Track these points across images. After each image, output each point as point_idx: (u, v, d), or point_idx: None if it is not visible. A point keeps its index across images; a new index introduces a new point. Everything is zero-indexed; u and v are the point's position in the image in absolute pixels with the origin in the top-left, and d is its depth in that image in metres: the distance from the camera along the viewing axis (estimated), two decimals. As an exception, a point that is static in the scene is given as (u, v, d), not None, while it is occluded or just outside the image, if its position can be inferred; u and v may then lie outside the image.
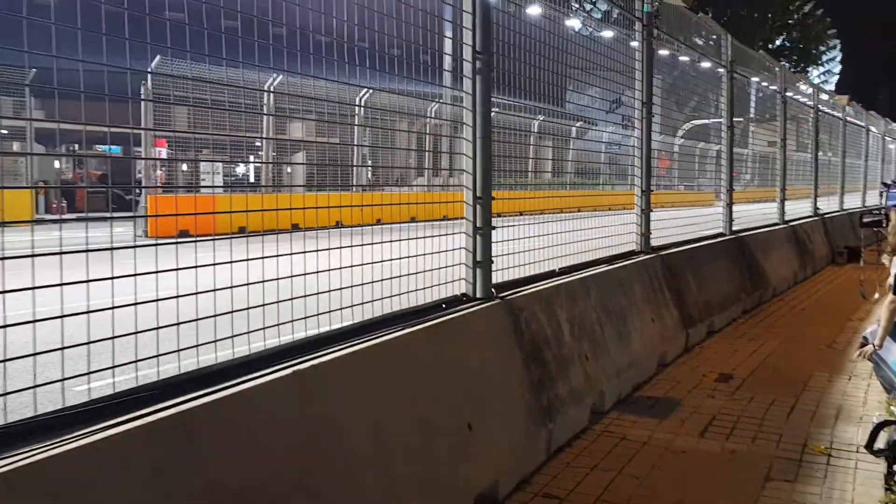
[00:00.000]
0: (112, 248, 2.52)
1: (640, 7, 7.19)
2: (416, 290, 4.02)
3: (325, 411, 2.92)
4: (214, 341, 2.78)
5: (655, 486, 4.10)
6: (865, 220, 5.50)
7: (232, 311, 2.87)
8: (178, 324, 2.66)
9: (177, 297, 2.65)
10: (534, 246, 5.31)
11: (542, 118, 9.07)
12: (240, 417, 2.55)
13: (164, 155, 16.25)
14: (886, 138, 24.68)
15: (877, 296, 6.28)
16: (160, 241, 2.76)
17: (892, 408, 5.28)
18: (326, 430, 2.88)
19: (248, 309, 2.94)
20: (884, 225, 4.64)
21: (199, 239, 2.98)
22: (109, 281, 2.45)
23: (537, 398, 4.43)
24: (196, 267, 2.79)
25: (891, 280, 4.40)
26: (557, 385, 4.68)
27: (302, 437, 2.76)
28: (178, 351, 2.64)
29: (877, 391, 5.65)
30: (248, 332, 2.91)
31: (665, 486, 4.09)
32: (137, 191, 13.15)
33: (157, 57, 10.24)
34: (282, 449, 2.66)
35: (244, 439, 2.54)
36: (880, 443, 4.55)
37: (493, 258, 4.46)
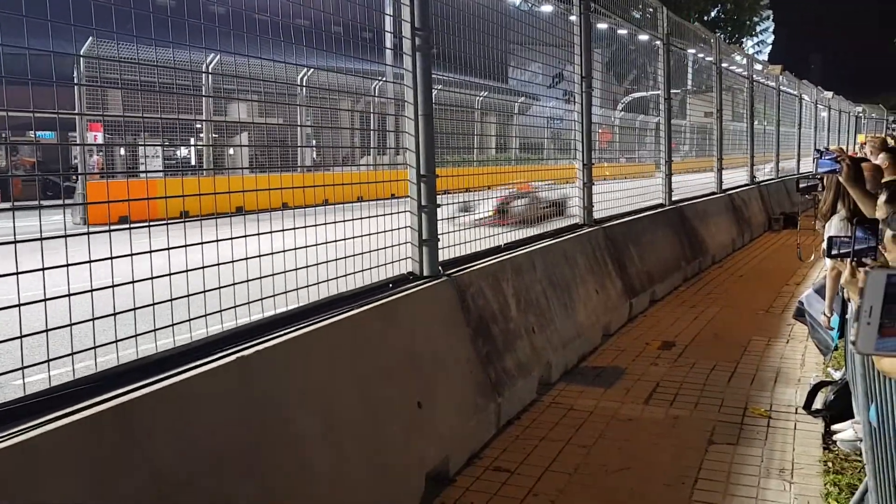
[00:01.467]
0: (66, 236, 2.43)
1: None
2: (363, 270, 4.01)
3: (272, 396, 2.89)
4: (154, 330, 2.72)
5: (602, 454, 4.19)
6: (802, 185, 5.65)
7: (171, 300, 2.81)
8: (114, 314, 2.60)
9: (112, 286, 2.58)
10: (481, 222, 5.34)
11: (484, 94, 9.06)
12: (183, 407, 2.51)
13: (99, 139, 15.74)
14: (819, 106, 25.37)
15: (812, 258, 6.49)
16: (115, 228, 2.67)
17: (828, 369, 5.48)
18: (273, 415, 2.86)
19: (188, 296, 2.89)
20: (819, 189, 4.78)
21: (139, 225, 2.89)
22: (40, 272, 2.37)
23: (486, 373, 4.47)
24: (132, 255, 2.71)
25: (824, 246, 4.54)
26: (505, 359, 4.73)
27: (248, 422, 2.73)
28: (116, 342, 2.58)
29: (814, 353, 5.85)
30: (188, 320, 2.85)
31: (612, 454, 4.18)
32: (74, 177, 12.73)
33: (90, 38, 9.89)
34: (228, 436, 2.63)
35: (189, 428, 2.50)
36: (818, 403, 4.73)
37: (438, 236, 4.46)
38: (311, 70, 4.99)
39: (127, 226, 2.76)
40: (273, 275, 3.33)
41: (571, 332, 5.83)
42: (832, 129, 29.03)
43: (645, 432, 4.52)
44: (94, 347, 2.52)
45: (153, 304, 2.73)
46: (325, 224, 3.77)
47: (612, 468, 4.01)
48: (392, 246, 4.24)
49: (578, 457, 4.16)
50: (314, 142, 11.53)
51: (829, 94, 27.66)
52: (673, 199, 10.05)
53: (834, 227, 4.53)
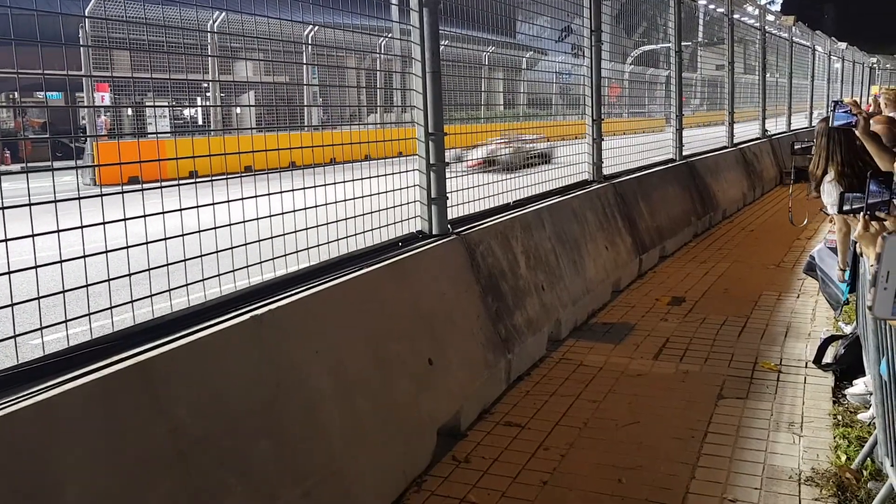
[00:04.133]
0: (79, 198, 2.44)
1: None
2: (373, 229, 4.02)
3: (285, 354, 2.93)
4: (168, 290, 2.75)
5: (612, 409, 4.24)
6: (796, 147, 5.51)
7: (185, 260, 2.83)
8: (129, 274, 2.62)
9: (126, 247, 2.60)
10: (490, 179, 5.32)
11: (492, 49, 8.94)
12: (199, 364, 2.55)
13: (107, 100, 15.67)
14: (832, 57, 24.96)
15: (805, 222, 6.43)
16: (127, 190, 2.69)
17: (838, 323, 5.49)
18: (287, 373, 2.90)
19: (201, 256, 2.91)
20: (813, 152, 4.72)
21: (151, 186, 2.90)
22: (56, 234, 2.39)
23: (496, 330, 4.50)
24: (145, 216, 2.73)
25: (829, 206, 4.50)
26: (515, 316, 4.76)
27: (263, 380, 2.77)
28: (132, 302, 2.61)
29: (824, 308, 5.85)
30: (202, 280, 2.88)
31: (621, 409, 4.23)
32: (83, 138, 12.72)
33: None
34: (243, 393, 2.68)
35: (205, 386, 2.54)
36: (828, 357, 4.75)
37: (447, 194, 4.46)
38: (317, 27, 4.94)
39: (139, 186, 2.77)
40: (284, 234, 3.35)
41: (581, 288, 5.84)
42: (846, 81, 28.57)
43: (654, 387, 4.56)
44: (111, 308, 2.55)
45: (167, 265, 2.75)
46: (335, 184, 3.77)
47: (621, 422, 4.06)
48: (401, 205, 4.24)
49: (588, 411, 4.20)
50: (320, 100, 11.45)
51: (843, 44, 27.16)
52: (683, 153, 9.97)
53: (826, 190, 4.50)
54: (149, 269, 2.70)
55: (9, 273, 2.31)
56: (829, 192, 4.43)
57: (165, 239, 2.76)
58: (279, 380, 2.84)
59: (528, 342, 4.80)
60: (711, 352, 5.16)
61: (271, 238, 3.25)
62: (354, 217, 3.86)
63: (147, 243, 2.69)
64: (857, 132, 4.04)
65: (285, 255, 3.32)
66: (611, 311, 6.18)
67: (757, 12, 15.56)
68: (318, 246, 3.55)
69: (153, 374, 2.37)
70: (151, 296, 2.70)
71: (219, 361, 2.63)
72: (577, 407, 4.27)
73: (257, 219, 3.19)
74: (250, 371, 2.75)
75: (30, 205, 2.32)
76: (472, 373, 4.16)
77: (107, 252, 2.56)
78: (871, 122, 4.27)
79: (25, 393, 2.12)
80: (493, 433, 3.95)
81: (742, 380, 4.63)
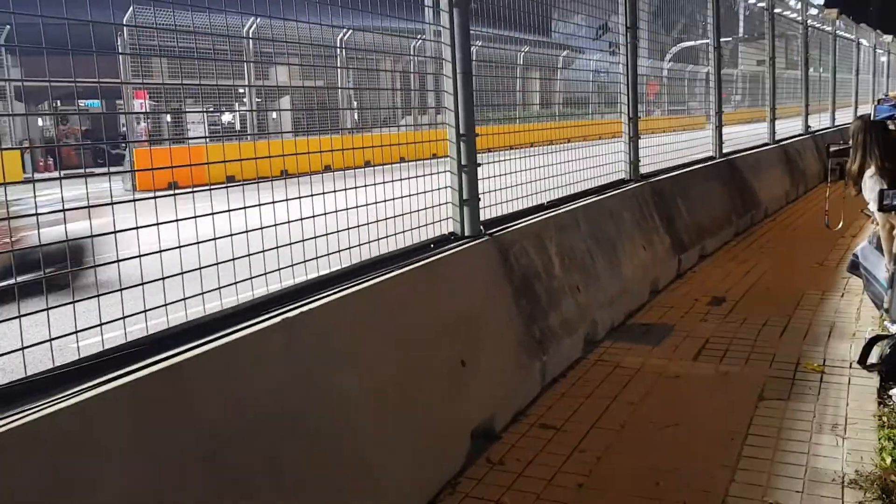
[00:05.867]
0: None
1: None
2: (405, 231, 4.02)
3: (317, 357, 2.94)
4: (202, 294, 2.78)
5: (650, 411, 4.18)
6: (832, 149, 5.31)
7: (217, 263, 2.86)
8: (163, 278, 2.66)
9: (159, 251, 2.64)
10: (523, 180, 5.28)
11: (527, 49, 8.90)
12: (230, 367, 2.57)
13: (146, 106, 15.96)
14: (878, 51, 24.36)
15: (840, 225, 6.27)
16: (164, 194, 2.75)
17: (884, 323, 5.34)
18: (318, 376, 2.91)
19: (233, 259, 2.93)
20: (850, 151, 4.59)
21: (185, 191, 2.94)
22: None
23: (529, 331, 4.47)
24: (177, 220, 2.76)
25: (871, 204, 4.39)
26: (549, 317, 4.72)
27: (294, 383, 2.79)
28: (165, 305, 2.64)
29: (869, 307, 5.70)
30: (234, 283, 2.91)
31: (659, 411, 4.16)
32: (123, 144, 12.98)
33: (131, 8, 9.97)
34: (274, 395, 2.69)
35: (236, 388, 2.56)
36: (873, 358, 4.62)
37: (480, 195, 4.44)
38: (350, 31, 4.96)
39: (172, 192, 2.82)
40: (316, 237, 3.36)
41: (617, 288, 5.78)
42: (892, 75, 27.86)
43: (693, 389, 4.48)
44: (145, 311, 2.59)
45: (199, 269, 2.78)
46: (366, 186, 3.78)
47: (659, 425, 3.99)
48: (433, 206, 4.24)
49: (625, 413, 4.15)
50: (355, 104, 11.53)
51: (889, 37, 26.49)
52: (723, 151, 9.81)
53: (869, 185, 4.39)
54: (182, 273, 2.73)
55: (43, 276, 2.35)
56: (872, 188, 4.32)
57: (198, 243, 2.79)
58: (310, 381, 2.85)
59: (563, 343, 4.76)
60: (752, 352, 5.06)
61: (303, 241, 3.27)
62: (387, 219, 3.86)
63: (180, 247, 2.73)
64: None
65: (317, 258, 3.34)
66: (649, 312, 6.10)
67: (799, 6, 15.24)
68: (349, 248, 3.56)
69: (184, 377, 2.40)
70: (185, 299, 2.73)
71: (249, 364, 2.65)
72: (614, 409, 4.21)
73: (289, 221, 3.22)
74: (281, 373, 2.76)
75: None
76: (506, 374, 4.14)
77: (140, 256, 2.60)
78: None
79: (62, 395, 2.16)
80: (528, 435, 3.92)
81: (784, 381, 4.53)
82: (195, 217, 2.81)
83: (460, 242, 4.28)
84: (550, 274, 4.92)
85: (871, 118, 4.08)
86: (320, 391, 2.88)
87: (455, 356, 3.75)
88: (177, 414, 2.33)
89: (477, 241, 4.34)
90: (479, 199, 4.43)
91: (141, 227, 2.59)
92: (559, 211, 5.41)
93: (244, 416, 2.53)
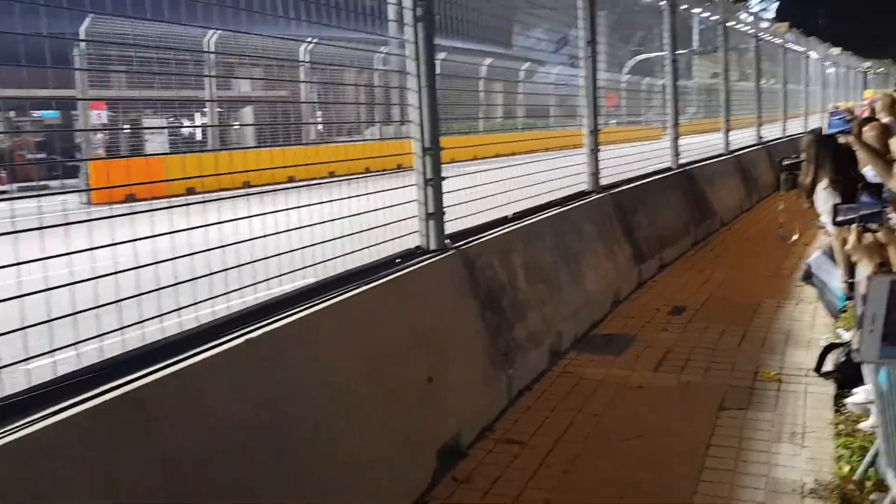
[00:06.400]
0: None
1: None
2: (370, 246, 3.98)
3: (282, 377, 2.89)
4: (160, 315, 2.71)
5: (613, 422, 4.20)
6: (785, 163, 5.39)
7: (177, 283, 2.79)
8: (120, 300, 2.59)
9: (116, 273, 2.57)
10: (488, 193, 5.28)
11: (489, 62, 8.94)
12: (194, 390, 2.51)
13: (104, 117, 15.65)
14: (825, 63, 25.01)
15: (795, 237, 6.40)
16: (119, 214, 2.66)
17: (838, 331, 5.45)
18: (284, 395, 2.86)
19: (194, 279, 2.87)
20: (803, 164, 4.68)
21: (143, 210, 2.87)
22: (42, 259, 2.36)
23: (496, 345, 4.46)
24: (134, 240, 2.70)
25: (826, 218, 4.48)
26: (515, 330, 4.72)
27: (260, 404, 2.73)
28: (122, 328, 2.57)
29: (824, 315, 5.81)
30: (194, 303, 2.84)
31: (623, 422, 4.18)
32: (79, 156, 12.72)
33: (88, 17, 9.78)
34: (241, 417, 2.64)
35: (200, 412, 2.50)
36: (828, 366, 4.71)
37: (444, 209, 4.42)
38: (313, 44, 4.93)
39: (129, 207, 2.75)
40: (279, 254, 3.32)
41: (581, 300, 5.81)
42: (840, 87, 28.64)
43: (656, 399, 4.52)
44: (102, 335, 2.51)
45: (157, 289, 2.71)
46: (331, 201, 3.74)
47: (623, 436, 4.01)
48: (399, 220, 4.21)
49: (589, 426, 4.16)
50: (318, 115, 11.47)
51: (837, 50, 27.26)
52: (680, 161, 9.95)
53: (822, 198, 4.47)
54: (138, 295, 2.66)
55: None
56: (825, 200, 4.41)
57: (156, 263, 2.73)
58: (276, 403, 2.80)
59: (529, 356, 4.76)
60: (712, 362, 5.12)
61: (266, 258, 3.22)
62: (351, 234, 3.82)
63: (138, 268, 2.66)
64: (850, 140, 4.02)
65: (280, 276, 3.29)
66: (611, 322, 6.14)
67: (751, 20, 15.59)
68: (314, 265, 3.52)
69: (146, 402, 2.33)
70: (143, 321, 2.66)
71: (213, 387, 2.59)
72: (579, 421, 4.23)
73: (252, 238, 3.16)
74: (247, 394, 2.71)
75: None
76: (473, 389, 4.12)
77: (99, 277, 2.53)
78: (865, 129, 4.27)
79: (10, 427, 2.06)
80: (494, 451, 3.90)
81: (743, 390, 4.59)
82: (153, 236, 2.74)
83: (426, 256, 4.26)
84: (516, 286, 4.93)
85: (823, 132, 4.16)
86: (286, 410, 2.83)
87: (422, 372, 3.72)
88: (141, 439, 2.26)
89: (443, 255, 4.33)
90: (444, 213, 4.41)
91: (95, 248, 2.50)
92: (524, 223, 5.43)
93: (212, 438, 2.47)
